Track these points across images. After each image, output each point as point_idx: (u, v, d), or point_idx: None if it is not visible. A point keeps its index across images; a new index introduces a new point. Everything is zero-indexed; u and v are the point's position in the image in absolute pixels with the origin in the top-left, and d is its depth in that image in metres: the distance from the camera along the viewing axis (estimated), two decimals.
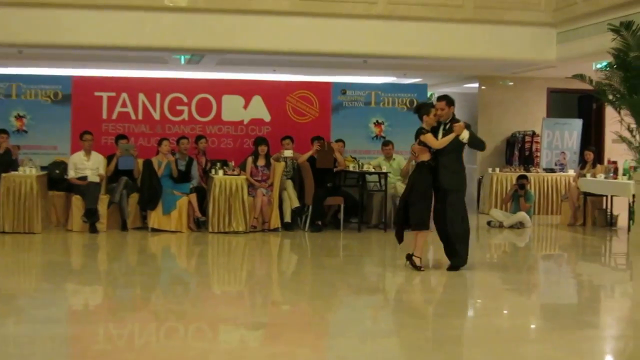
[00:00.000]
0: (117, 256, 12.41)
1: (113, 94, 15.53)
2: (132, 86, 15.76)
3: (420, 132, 10.47)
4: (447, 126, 10.48)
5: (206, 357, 6.62)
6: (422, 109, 10.68)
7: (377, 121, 16.55)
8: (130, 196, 14.09)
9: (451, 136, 10.31)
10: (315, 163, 14.67)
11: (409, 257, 10.54)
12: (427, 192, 10.47)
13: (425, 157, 10.42)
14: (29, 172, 13.67)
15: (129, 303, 8.89)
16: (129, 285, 9.90)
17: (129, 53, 16.64)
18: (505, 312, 8.18)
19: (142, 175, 14.15)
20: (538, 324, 7.84)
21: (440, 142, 10.37)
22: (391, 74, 20.25)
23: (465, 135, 10.29)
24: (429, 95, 19.29)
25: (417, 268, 10.41)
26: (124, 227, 14.02)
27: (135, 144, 14.90)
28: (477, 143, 10.78)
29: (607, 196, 16.09)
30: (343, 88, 16.58)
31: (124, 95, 15.56)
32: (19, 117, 15.41)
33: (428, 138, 10.37)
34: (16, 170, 13.79)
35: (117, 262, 11.88)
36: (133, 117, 15.56)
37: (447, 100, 10.56)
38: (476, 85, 20.21)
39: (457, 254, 10.56)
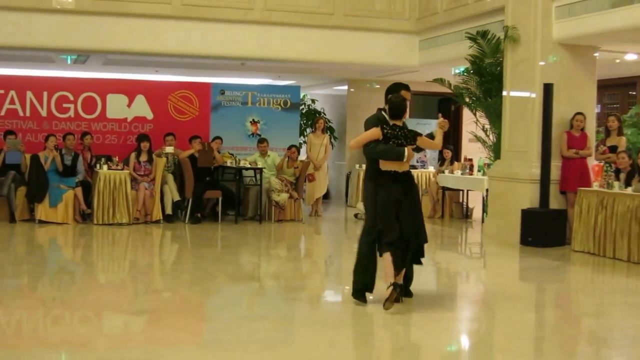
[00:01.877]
0: (5, 247, 12.17)
1: (1, 91, 15.24)
2: (20, 84, 15.51)
3: (414, 135, 7.90)
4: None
5: (92, 342, 6.65)
6: (403, 102, 8.01)
7: (253, 120, 16.69)
8: (18, 189, 13.92)
9: (441, 132, 8.09)
10: (197, 161, 14.74)
11: (399, 286, 7.86)
12: None
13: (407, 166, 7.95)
14: None
15: (16, 291, 8.77)
16: (17, 274, 9.78)
17: (16, 52, 16.32)
18: (371, 297, 8.36)
19: (29, 169, 13.96)
20: (398, 308, 8.03)
21: (436, 141, 8.14)
22: (267, 76, 20.31)
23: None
24: (302, 96, 19.47)
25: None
26: (12, 219, 13.82)
27: (22, 139, 14.74)
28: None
29: (463, 191, 16.54)
30: (222, 89, 16.67)
31: (12, 92, 15.30)
32: None
33: (427, 141, 8.09)
34: None
35: (4, 253, 11.64)
36: (21, 113, 15.32)
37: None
38: (345, 87, 20.41)
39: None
